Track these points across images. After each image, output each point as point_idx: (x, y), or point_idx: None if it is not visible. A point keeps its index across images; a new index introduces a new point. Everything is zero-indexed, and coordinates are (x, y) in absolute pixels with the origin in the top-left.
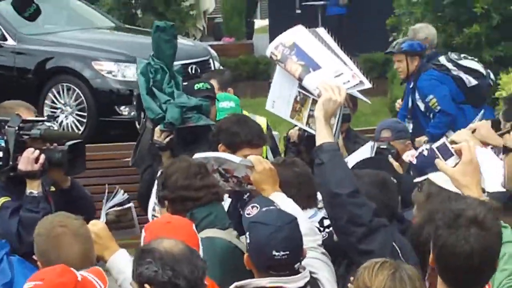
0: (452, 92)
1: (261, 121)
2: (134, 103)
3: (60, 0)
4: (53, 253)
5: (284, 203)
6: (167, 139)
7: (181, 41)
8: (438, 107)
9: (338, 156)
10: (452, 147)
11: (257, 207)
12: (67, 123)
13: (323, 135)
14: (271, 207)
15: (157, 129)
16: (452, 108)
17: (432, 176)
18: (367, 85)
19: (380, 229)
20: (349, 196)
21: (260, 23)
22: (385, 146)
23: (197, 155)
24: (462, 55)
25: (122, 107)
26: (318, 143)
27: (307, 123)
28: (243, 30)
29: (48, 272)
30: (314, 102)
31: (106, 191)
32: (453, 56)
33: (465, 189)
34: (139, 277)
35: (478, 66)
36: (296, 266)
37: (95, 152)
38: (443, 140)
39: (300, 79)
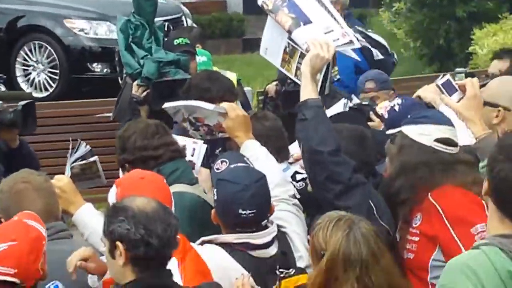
0: (356, 62)
1: (232, 76)
2: (116, 59)
3: None
4: (15, 209)
5: (258, 151)
6: (144, 93)
7: None
8: (338, 76)
9: (322, 113)
10: (456, 83)
11: (226, 162)
12: (39, 80)
13: (308, 91)
14: (239, 164)
15: (135, 84)
16: (351, 80)
17: (405, 129)
18: (357, 44)
19: (358, 187)
20: (330, 154)
21: None
22: (367, 102)
23: (167, 104)
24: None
25: (94, 64)
26: (302, 98)
27: (296, 75)
28: None
29: (13, 229)
30: (302, 55)
31: (70, 146)
32: (360, 29)
33: (470, 123)
34: (111, 234)
35: (385, 43)
36: (263, 223)
37: (67, 109)
38: (447, 76)
39: (289, 32)
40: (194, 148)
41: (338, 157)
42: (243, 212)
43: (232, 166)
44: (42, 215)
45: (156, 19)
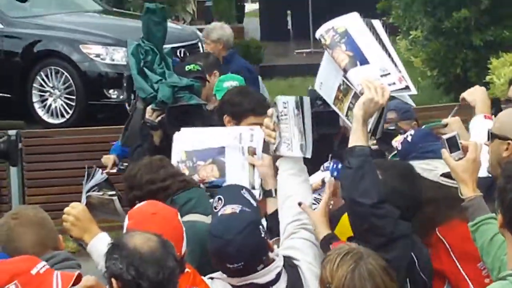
0: None
1: None
2: (124, 84)
3: None
4: (11, 245)
5: (286, 188)
6: (159, 118)
7: (170, 24)
8: None
9: (368, 162)
10: (461, 142)
11: (222, 201)
12: (56, 106)
13: (357, 136)
14: (226, 211)
15: (149, 108)
16: None
17: (412, 164)
18: (413, 91)
19: (400, 239)
20: (373, 207)
21: (251, 6)
22: (393, 127)
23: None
24: None
25: (111, 90)
26: (351, 143)
27: (346, 115)
28: (233, 13)
29: None
30: (356, 95)
31: (86, 172)
32: None
33: (462, 184)
34: (107, 270)
35: None
36: (258, 268)
37: (84, 135)
38: (454, 133)
39: (345, 70)
40: (252, 134)
41: (381, 210)
42: (231, 266)
43: (220, 212)
44: (36, 248)
45: (171, 45)
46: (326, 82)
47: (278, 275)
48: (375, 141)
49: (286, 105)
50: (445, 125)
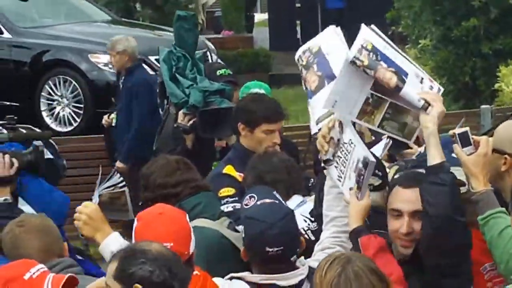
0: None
1: None
2: (157, 90)
3: None
4: (15, 253)
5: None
6: (191, 122)
7: None
8: None
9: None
10: (472, 138)
11: (255, 198)
12: (64, 115)
13: (438, 151)
14: (266, 200)
15: (181, 112)
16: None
17: None
18: (441, 89)
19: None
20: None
21: (260, 16)
22: None
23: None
24: None
25: None
26: (435, 159)
27: (381, 125)
28: (242, 23)
29: None
30: (392, 105)
31: (100, 172)
32: None
33: (473, 178)
34: (129, 277)
35: None
36: (292, 259)
37: (92, 143)
38: (466, 128)
39: (398, 88)
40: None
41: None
42: (270, 249)
43: (259, 202)
44: (40, 255)
45: None
46: (344, 98)
47: (301, 282)
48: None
49: (351, 145)
50: (453, 136)
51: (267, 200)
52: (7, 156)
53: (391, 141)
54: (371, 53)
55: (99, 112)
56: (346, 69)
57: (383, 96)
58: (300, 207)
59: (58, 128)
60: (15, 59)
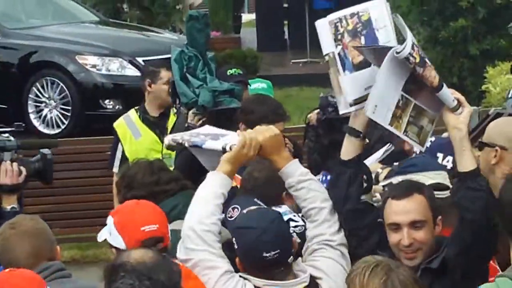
0: None
1: None
2: (169, 90)
3: None
4: (5, 256)
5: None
6: (200, 121)
7: (166, 35)
8: None
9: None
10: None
11: (238, 209)
12: (51, 117)
13: (473, 157)
14: (252, 208)
15: (190, 112)
16: None
17: (394, 180)
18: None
19: None
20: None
21: (248, 17)
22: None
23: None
24: None
25: (107, 101)
26: (470, 165)
27: (405, 131)
28: (229, 24)
29: None
30: (416, 107)
31: None
32: None
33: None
34: None
35: None
36: (289, 260)
37: (80, 146)
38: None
39: (440, 87)
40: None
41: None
42: (267, 254)
43: (244, 211)
44: (29, 259)
45: (166, 56)
46: (382, 105)
47: None
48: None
49: None
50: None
51: (253, 208)
52: (15, 164)
53: (392, 147)
54: (419, 50)
55: (87, 114)
56: (387, 67)
57: (410, 98)
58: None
59: (46, 131)
60: (2, 60)
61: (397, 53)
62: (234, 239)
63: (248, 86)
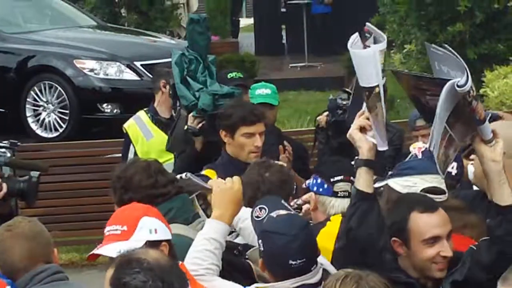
0: None
1: None
2: (170, 92)
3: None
4: (0, 257)
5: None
6: (200, 125)
7: (164, 39)
8: None
9: None
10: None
11: (265, 209)
12: (49, 121)
13: (510, 190)
14: (281, 212)
15: (190, 115)
16: None
17: (391, 182)
18: None
19: None
20: None
21: (246, 21)
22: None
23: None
24: None
25: (104, 105)
26: (510, 199)
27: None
28: (227, 28)
29: None
30: (449, 138)
31: None
32: None
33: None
34: (124, 286)
35: None
36: (312, 268)
37: (78, 149)
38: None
39: (483, 121)
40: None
41: None
42: (294, 262)
43: (273, 214)
44: (24, 262)
45: (163, 60)
46: (437, 136)
47: (322, 272)
48: None
49: None
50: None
51: (282, 212)
52: None
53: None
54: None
55: (85, 118)
56: (444, 99)
57: (448, 129)
58: None
59: (44, 134)
60: (0, 65)
61: (459, 86)
62: (260, 241)
63: (249, 90)
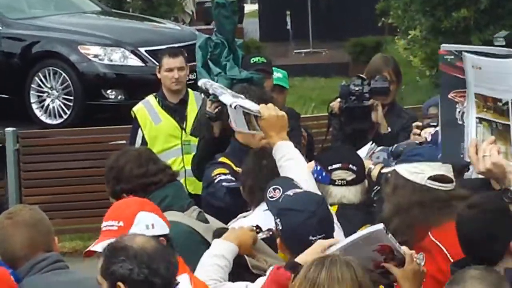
0: None
1: None
2: (194, 76)
3: None
4: (1, 245)
5: (291, 151)
6: (216, 109)
7: (168, 25)
8: None
9: None
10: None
11: (280, 189)
12: (54, 107)
13: None
14: (297, 190)
15: (208, 100)
16: None
17: (398, 168)
18: None
19: None
20: None
21: (250, 7)
22: (435, 123)
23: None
24: None
25: (109, 91)
26: None
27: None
28: None
29: None
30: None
31: None
32: None
33: None
34: (111, 275)
35: None
36: None
37: (82, 136)
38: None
39: None
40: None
41: None
42: (313, 238)
43: (290, 193)
44: (25, 250)
45: (170, 45)
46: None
47: None
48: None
49: None
50: None
51: (298, 190)
52: None
53: (376, 147)
54: None
55: (89, 104)
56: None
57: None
58: None
59: (48, 121)
60: (4, 50)
61: None
62: (278, 219)
63: (271, 75)
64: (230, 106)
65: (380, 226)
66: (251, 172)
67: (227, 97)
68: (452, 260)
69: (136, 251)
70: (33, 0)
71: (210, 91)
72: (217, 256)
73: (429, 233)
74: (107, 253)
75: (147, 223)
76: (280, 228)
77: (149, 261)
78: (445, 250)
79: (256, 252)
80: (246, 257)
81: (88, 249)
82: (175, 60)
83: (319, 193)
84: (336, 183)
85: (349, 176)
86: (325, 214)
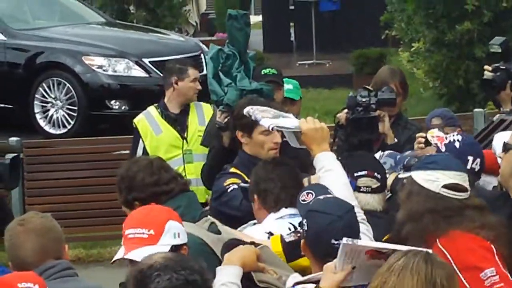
0: None
1: (207, 106)
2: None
3: None
4: (12, 252)
5: (331, 162)
6: (226, 119)
7: (172, 36)
8: None
9: None
10: None
11: (312, 194)
12: (58, 117)
13: None
14: (328, 195)
15: (218, 110)
16: None
17: (414, 174)
18: None
19: None
20: None
21: (254, 19)
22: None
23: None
24: None
25: (113, 101)
26: None
27: None
28: None
29: None
30: None
31: None
32: None
33: None
34: None
35: None
36: None
37: (85, 146)
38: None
39: None
40: None
41: None
42: (336, 242)
43: (321, 197)
44: (35, 257)
45: (175, 57)
46: None
47: None
48: None
49: None
50: None
51: (329, 195)
52: None
53: (384, 154)
54: None
55: (93, 115)
56: None
57: None
58: (293, 218)
59: (52, 131)
60: (9, 61)
61: None
62: (305, 220)
63: (282, 86)
64: (271, 129)
65: (347, 240)
66: (262, 182)
67: (266, 120)
68: (457, 269)
69: (163, 263)
70: (38, 11)
71: (252, 118)
72: (225, 285)
73: (437, 240)
74: (138, 279)
75: (175, 232)
76: (306, 229)
77: (181, 263)
78: (450, 259)
79: (264, 264)
80: (252, 273)
81: (121, 257)
82: (196, 71)
83: (356, 203)
84: (361, 189)
85: (374, 184)
86: (351, 221)
